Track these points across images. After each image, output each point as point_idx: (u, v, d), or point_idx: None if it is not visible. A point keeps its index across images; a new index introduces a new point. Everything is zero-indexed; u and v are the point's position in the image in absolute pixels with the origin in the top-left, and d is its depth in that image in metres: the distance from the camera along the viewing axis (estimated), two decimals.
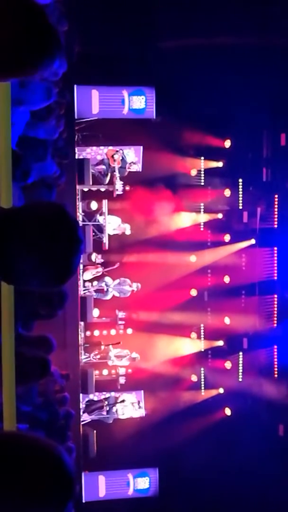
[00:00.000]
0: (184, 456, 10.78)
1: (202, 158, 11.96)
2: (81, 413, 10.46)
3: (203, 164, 12.00)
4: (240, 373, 11.98)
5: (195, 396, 12.01)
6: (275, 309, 11.96)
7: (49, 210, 1.54)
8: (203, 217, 12.12)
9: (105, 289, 10.97)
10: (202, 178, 12.07)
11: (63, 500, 1.45)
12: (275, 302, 11.97)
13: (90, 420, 10.77)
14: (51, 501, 1.44)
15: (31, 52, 1.49)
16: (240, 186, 11.90)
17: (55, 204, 1.56)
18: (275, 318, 11.94)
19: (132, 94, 10.94)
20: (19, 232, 1.51)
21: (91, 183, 10.70)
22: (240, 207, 11.98)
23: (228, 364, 12.07)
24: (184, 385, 12.05)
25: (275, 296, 11.96)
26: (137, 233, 11.33)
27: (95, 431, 10.67)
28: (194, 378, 12.15)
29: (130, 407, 11.11)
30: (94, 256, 10.69)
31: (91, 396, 10.88)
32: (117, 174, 10.79)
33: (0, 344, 2.39)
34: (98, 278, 10.94)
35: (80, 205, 10.58)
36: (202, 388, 12.14)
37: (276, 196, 11.84)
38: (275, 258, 11.96)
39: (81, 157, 10.79)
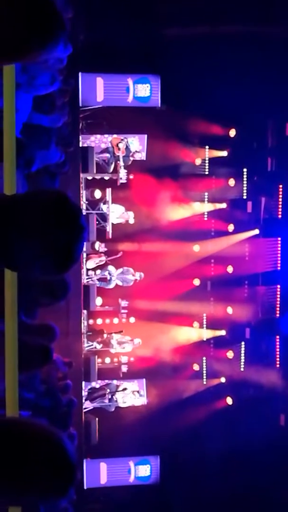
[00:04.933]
0: (185, 444, 10.85)
1: (207, 147, 11.91)
2: (83, 401, 10.52)
3: (207, 153, 11.95)
4: (242, 363, 12.01)
5: (197, 385, 12.05)
6: (278, 299, 11.95)
7: (52, 198, 1.54)
8: (207, 207, 12.10)
9: (108, 278, 10.98)
10: (207, 167, 12.03)
11: (64, 485, 1.46)
12: (278, 293, 11.96)
13: (92, 407, 10.83)
14: (53, 486, 1.45)
15: (36, 34, 1.49)
16: (245, 176, 11.86)
17: (58, 191, 1.56)
18: (278, 308, 11.95)
19: (137, 82, 10.88)
20: (22, 219, 1.51)
21: (95, 171, 10.67)
22: (244, 197, 11.94)
23: (230, 354, 12.10)
24: (186, 374, 12.09)
25: (278, 286, 11.95)
26: (141, 222, 11.32)
27: (97, 419, 10.73)
28: (196, 367, 12.19)
29: (132, 395, 11.17)
30: (97, 245, 10.69)
31: (93, 384, 10.94)
32: (121, 162, 10.76)
33: (3, 331, 2.40)
34: (101, 267, 10.95)
35: (83, 193, 10.56)
36: (204, 377, 12.18)
37: (281, 186, 11.79)
38: (279, 248, 11.93)
39: (85, 145, 10.76)
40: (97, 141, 11.10)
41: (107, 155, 10.92)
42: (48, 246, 1.50)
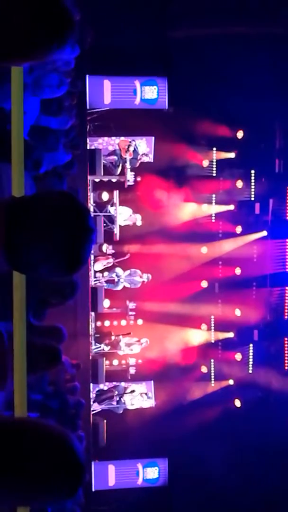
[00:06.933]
0: (194, 447, 10.81)
1: (214, 148, 11.90)
2: (91, 403, 10.52)
3: (215, 155, 11.94)
4: (250, 365, 11.98)
5: (205, 387, 12.02)
6: (286, 301, 11.92)
7: (60, 199, 1.54)
8: (214, 208, 12.08)
9: (116, 280, 10.98)
10: (214, 169, 12.01)
11: (73, 487, 1.46)
12: (286, 294, 11.93)
13: (100, 409, 10.83)
14: (62, 487, 1.45)
15: (44, 34, 1.48)
16: (252, 177, 11.84)
17: (67, 192, 1.56)
18: (286, 310, 11.91)
19: (144, 84, 10.89)
20: (31, 220, 1.51)
21: (102, 173, 10.69)
22: (252, 199, 11.92)
23: (238, 356, 12.06)
24: (194, 376, 12.06)
25: (287, 288, 11.92)
26: (148, 224, 11.32)
27: (105, 421, 10.73)
28: (204, 369, 12.16)
29: (140, 397, 11.16)
30: (105, 247, 10.70)
31: (101, 386, 10.93)
32: (128, 165, 10.77)
33: (12, 333, 2.41)
34: (109, 269, 10.96)
35: (91, 195, 10.58)
36: (212, 379, 12.16)
37: None
38: (287, 250, 11.90)
39: (92, 147, 10.78)
40: (104, 144, 11.12)
41: (115, 157, 10.93)
42: (56, 248, 1.50)
